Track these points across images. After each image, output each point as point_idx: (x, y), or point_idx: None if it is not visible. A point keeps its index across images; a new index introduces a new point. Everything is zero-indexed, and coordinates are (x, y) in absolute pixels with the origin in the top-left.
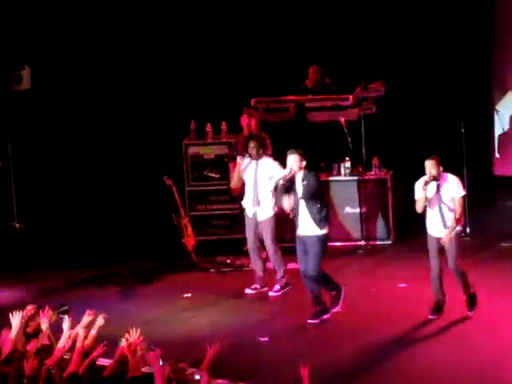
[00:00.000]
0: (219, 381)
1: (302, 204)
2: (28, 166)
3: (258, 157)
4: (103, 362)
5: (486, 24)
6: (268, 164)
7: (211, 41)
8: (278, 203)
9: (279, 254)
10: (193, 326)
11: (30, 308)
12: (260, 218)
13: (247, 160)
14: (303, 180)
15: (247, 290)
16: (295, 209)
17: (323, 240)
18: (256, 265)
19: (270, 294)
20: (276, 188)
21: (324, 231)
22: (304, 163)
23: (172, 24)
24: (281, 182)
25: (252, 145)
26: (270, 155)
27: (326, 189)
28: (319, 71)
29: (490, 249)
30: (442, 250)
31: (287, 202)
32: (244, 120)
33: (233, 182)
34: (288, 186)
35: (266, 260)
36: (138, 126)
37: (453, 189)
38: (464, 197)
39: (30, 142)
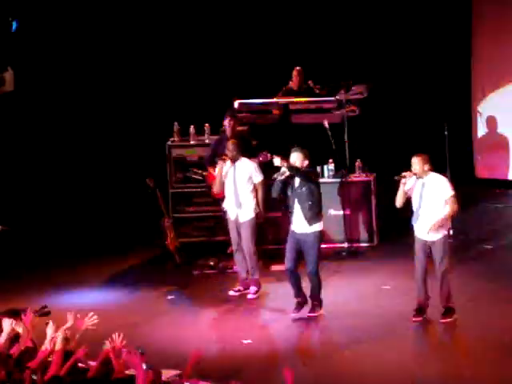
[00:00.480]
0: (203, 383)
1: (297, 201)
2: (9, 168)
3: (235, 158)
4: (86, 364)
5: (464, 27)
6: (245, 165)
7: (194, 43)
8: (273, 195)
9: (257, 256)
10: (176, 328)
11: (27, 313)
12: (241, 220)
13: (228, 163)
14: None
15: (231, 292)
16: (291, 205)
17: (319, 238)
18: (240, 266)
19: (249, 296)
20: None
21: (317, 228)
22: (306, 163)
23: (155, 27)
24: (279, 177)
25: (230, 147)
26: (248, 156)
27: None
28: (302, 73)
29: (472, 250)
30: (427, 252)
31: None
32: (229, 122)
33: (216, 187)
34: (286, 183)
35: None
36: (122, 127)
37: (441, 189)
38: (454, 196)
39: (12, 144)
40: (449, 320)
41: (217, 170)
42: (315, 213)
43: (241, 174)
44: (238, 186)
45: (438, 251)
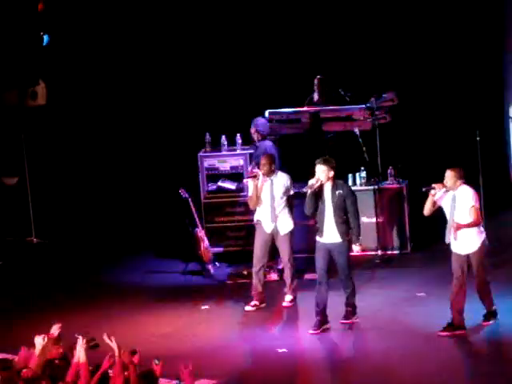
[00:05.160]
0: None
1: (330, 212)
2: (44, 181)
3: (270, 173)
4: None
5: (497, 31)
6: (282, 178)
7: (225, 54)
8: (307, 212)
9: (294, 266)
10: (210, 338)
11: (55, 329)
12: (281, 233)
13: (261, 178)
14: (336, 190)
15: (247, 307)
16: (320, 216)
17: (348, 247)
18: (257, 278)
19: (284, 304)
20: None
21: (346, 240)
22: (332, 173)
23: (186, 38)
24: (309, 191)
25: (263, 161)
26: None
27: None
28: (323, 82)
29: (507, 255)
30: (462, 266)
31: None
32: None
33: (253, 202)
34: (316, 195)
35: (281, 270)
36: (154, 138)
37: (467, 200)
38: (476, 208)
39: (45, 156)
40: (488, 323)
41: (250, 187)
42: (347, 224)
43: (278, 187)
44: (276, 199)
45: (474, 263)
